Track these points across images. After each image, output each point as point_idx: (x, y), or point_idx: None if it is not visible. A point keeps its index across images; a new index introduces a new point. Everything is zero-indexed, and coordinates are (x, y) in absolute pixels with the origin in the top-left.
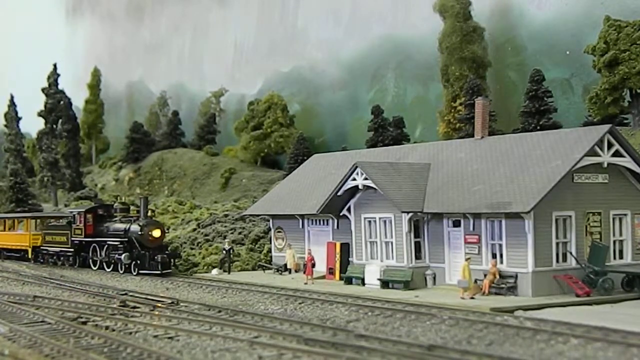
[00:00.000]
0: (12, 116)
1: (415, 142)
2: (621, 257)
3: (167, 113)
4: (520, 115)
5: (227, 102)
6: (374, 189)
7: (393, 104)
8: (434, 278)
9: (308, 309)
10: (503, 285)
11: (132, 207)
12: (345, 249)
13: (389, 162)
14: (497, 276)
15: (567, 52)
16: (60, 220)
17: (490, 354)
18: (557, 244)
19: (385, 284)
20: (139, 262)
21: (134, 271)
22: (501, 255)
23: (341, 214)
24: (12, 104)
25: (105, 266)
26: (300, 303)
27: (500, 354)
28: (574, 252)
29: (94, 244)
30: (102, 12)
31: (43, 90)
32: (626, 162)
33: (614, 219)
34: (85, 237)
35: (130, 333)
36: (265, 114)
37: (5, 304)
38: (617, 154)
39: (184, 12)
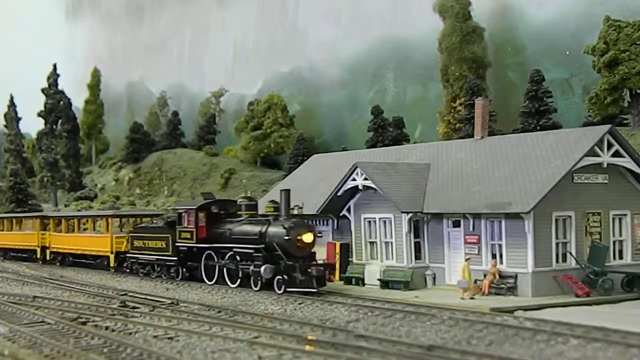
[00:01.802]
0: (12, 116)
1: (415, 142)
2: (621, 258)
3: (167, 113)
4: (520, 116)
5: (227, 103)
6: (374, 189)
7: (393, 104)
8: (434, 278)
9: (308, 309)
10: (503, 286)
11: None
12: (345, 249)
13: (389, 163)
14: (497, 276)
15: (567, 52)
16: (155, 220)
17: (490, 354)
18: (557, 244)
19: (385, 284)
20: (285, 276)
21: (279, 289)
22: (501, 256)
23: (341, 214)
24: (12, 104)
25: (228, 280)
26: (300, 303)
27: (500, 354)
28: (573, 253)
29: (208, 252)
30: (101, 13)
31: (43, 90)
32: (626, 162)
33: (613, 219)
34: (196, 243)
35: (130, 333)
36: (265, 114)
37: (5, 304)
38: (616, 154)
39: (184, 12)
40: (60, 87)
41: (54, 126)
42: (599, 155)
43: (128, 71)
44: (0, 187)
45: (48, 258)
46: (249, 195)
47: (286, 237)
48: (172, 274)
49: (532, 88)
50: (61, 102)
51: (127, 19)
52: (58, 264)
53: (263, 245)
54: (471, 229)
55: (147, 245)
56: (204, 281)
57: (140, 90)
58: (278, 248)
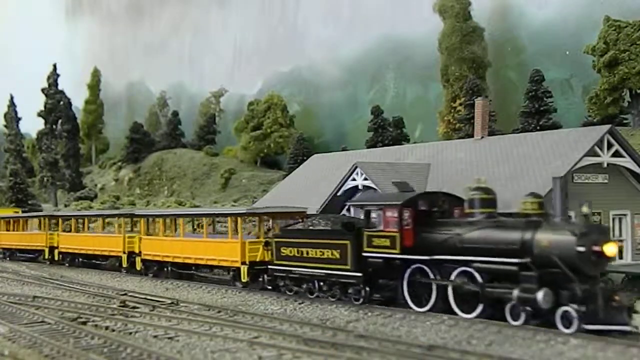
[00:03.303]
0: (12, 116)
1: (415, 142)
2: (621, 257)
3: (166, 113)
4: (520, 116)
5: (226, 103)
6: (374, 189)
7: (393, 104)
8: None
9: (308, 309)
10: None
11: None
12: None
13: (389, 162)
14: None
15: (567, 52)
16: (317, 221)
17: (490, 354)
18: None
19: None
20: (583, 305)
21: (569, 325)
22: None
23: (341, 214)
24: (12, 104)
25: (456, 308)
26: (300, 303)
27: (500, 354)
28: None
29: (416, 266)
30: (101, 13)
31: (43, 90)
32: (626, 162)
33: (614, 219)
34: (401, 253)
35: (130, 333)
36: (265, 114)
37: (5, 304)
38: (616, 154)
39: (184, 12)
40: (60, 87)
41: (54, 126)
42: (599, 155)
43: (128, 71)
44: (0, 187)
45: (138, 268)
46: (482, 185)
47: (579, 248)
48: (353, 295)
49: (532, 88)
50: (61, 102)
51: (127, 19)
52: (151, 274)
53: (529, 259)
54: None
55: (305, 255)
56: (407, 306)
57: (140, 90)
58: (561, 264)
